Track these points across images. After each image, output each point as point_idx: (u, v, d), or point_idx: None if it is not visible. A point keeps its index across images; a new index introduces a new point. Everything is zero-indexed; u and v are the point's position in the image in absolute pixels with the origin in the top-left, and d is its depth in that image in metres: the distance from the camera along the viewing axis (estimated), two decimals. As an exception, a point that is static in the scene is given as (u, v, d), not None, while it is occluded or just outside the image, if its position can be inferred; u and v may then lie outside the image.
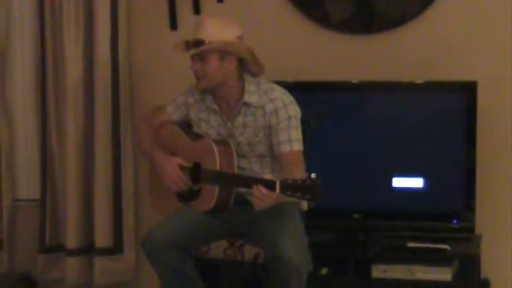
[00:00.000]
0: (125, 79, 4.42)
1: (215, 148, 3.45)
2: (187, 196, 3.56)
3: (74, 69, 4.40)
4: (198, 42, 3.41)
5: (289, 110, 3.46)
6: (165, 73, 4.45)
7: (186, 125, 3.69)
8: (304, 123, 3.59)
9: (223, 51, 3.41)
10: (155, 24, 4.44)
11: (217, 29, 3.42)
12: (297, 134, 3.46)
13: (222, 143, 3.51)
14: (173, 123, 3.69)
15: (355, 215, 4.02)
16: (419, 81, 4.02)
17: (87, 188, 4.49)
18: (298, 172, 3.30)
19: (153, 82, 4.49)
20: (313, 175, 3.07)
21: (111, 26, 4.35)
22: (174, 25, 4.39)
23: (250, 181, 3.25)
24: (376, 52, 4.19)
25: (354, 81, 4.09)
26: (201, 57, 3.42)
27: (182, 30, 4.31)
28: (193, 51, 3.41)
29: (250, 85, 3.49)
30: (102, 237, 4.44)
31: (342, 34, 4.23)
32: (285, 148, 3.45)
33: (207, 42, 3.39)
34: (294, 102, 3.50)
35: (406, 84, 4.03)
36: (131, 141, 4.42)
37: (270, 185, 3.14)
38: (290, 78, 3.99)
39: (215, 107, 3.54)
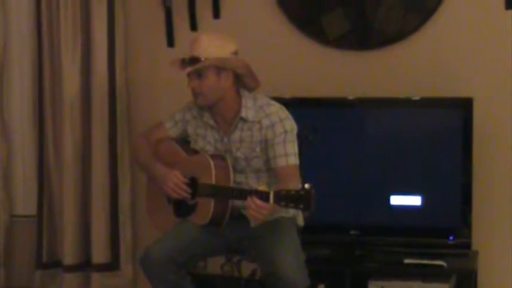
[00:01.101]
0: (122, 95, 4.40)
1: (211, 162, 3.43)
2: (183, 211, 3.54)
3: (71, 85, 4.38)
4: (194, 60, 3.40)
5: (286, 124, 3.45)
6: (162, 89, 4.43)
7: (184, 141, 3.66)
8: (301, 138, 3.58)
9: (220, 67, 3.41)
10: (152, 41, 4.43)
11: (212, 46, 3.41)
12: (293, 148, 3.45)
13: (219, 157, 3.49)
14: (171, 139, 3.66)
15: (352, 231, 4.00)
16: (415, 97, 3.99)
17: (84, 203, 4.45)
18: (294, 185, 3.25)
19: (150, 98, 4.47)
20: (307, 185, 3.07)
21: (108, 42, 4.34)
22: (171, 42, 4.39)
23: (244, 193, 3.23)
24: (372, 68, 4.17)
25: (350, 97, 4.07)
26: (198, 74, 3.41)
27: (179, 47, 4.30)
28: (189, 68, 3.40)
29: (247, 100, 3.48)
30: (99, 253, 4.41)
31: (339, 50, 4.21)
32: (281, 162, 3.43)
33: (202, 59, 3.38)
34: (290, 117, 3.48)
35: (403, 100, 4.01)
36: (128, 156, 4.39)
37: (264, 196, 3.14)
38: (287, 95, 3.99)
39: (212, 122, 3.52)
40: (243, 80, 3.49)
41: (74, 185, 4.40)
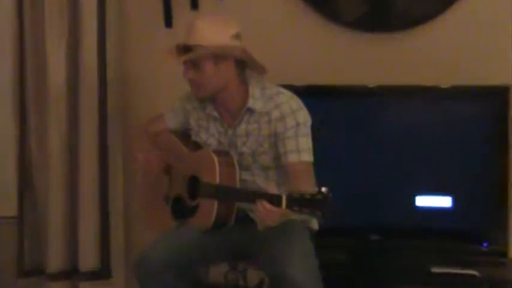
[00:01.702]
0: (113, 82, 4.25)
1: (215, 159, 3.28)
2: (183, 213, 3.40)
3: (56, 72, 4.23)
4: (188, 48, 3.28)
5: (298, 116, 3.30)
6: (159, 77, 4.24)
7: (185, 134, 3.54)
8: (315, 132, 3.40)
9: (218, 55, 3.27)
10: (148, 22, 4.28)
11: (208, 32, 3.27)
12: (306, 143, 3.30)
13: (223, 153, 3.35)
14: (170, 132, 3.55)
15: (372, 236, 3.87)
16: (444, 85, 3.82)
17: (70, 203, 4.30)
18: (308, 186, 3.11)
19: (147, 87, 4.32)
20: (324, 189, 2.92)
21: (98, 22, 4.19)
22: (169, 22, 4.23)
23: (253, 196, 3.09)
24: (395, 53, 4.02)
25: (371, 85, 3.89)
26: (194, 64, 3.29)
27: (178, 27, 4.13)
28: (183, 58, 3.29)
29: (255, 89, 3.34)
30: (88, 260, 4.29)
31: (357, 33, 4.05)
32: (293, 158, 3.28)
33: (197, 47, 3.26)
34: (304, 107, 3.34)
35: (430, 89, 3.84)
36: (121, 153, 4.28)
37: (275, 200, 2.99)
38: (299, 82, 3.80)
39: (215, 114, 3.40)
40: (249, 66, 3.38)
41: (59, 183, 4.26)
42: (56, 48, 4.20)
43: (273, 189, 3.10)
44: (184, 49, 3.28)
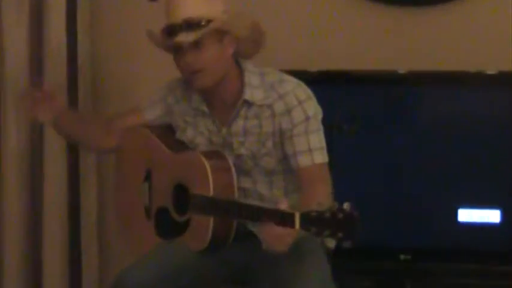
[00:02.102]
0: (85, 67, 4.01)
1: (206, 164, 3.01)
2: (170, 231, 3.14)
3: (15, 54, 3.98)
4: (192, 24, 2.98)
5: (307, 108, 3.05)
6: (140, 60, 4.01)
7: (165, 131, 3.29)
8: (332, 128, 3.26)
9: (222, 31, 3.01)
10: None
11: (201, 3, 3.05)
12: (318, 140, 3.06)
13: (216, 155, 3.09)
14: (147, 128, 3.29)
15: (402, 256, 3.61)
16: (491, 71, 3.53)
17: (32, 215, 4.05)
18: (323, 193, 2.89)
19: (125, 72, 4.08)
20: (346, 205, 2.63)
21: None
22: None
23: (259, 213, 2.83)
24: (431, 31, 3.75)
25: (401, 71, 3.63)
26: (193, 45, 3.00)
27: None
28: (186, 37, 2.95)
29: (252, 76, 3.09)
30: (53, 284, 4.01)
31: (384, 6, 3.77)
32: (304, 161, 3.04)
33: (203, 22, 2.99)
34: (312, 96, 3.09)
35: (475, 75, 3.56)
36: (94, 155, 4.04)
37: (286, 219, 2.75)
38: (313, 67, 3.62)
39: (205, 108, 3.14)
40: (239, 48, 3.16)
41: (19, 190, 4.00)
42: (15, 24, 3.95)
43: (282, 204, 2.81)
44: (187, 26, 3.00)
